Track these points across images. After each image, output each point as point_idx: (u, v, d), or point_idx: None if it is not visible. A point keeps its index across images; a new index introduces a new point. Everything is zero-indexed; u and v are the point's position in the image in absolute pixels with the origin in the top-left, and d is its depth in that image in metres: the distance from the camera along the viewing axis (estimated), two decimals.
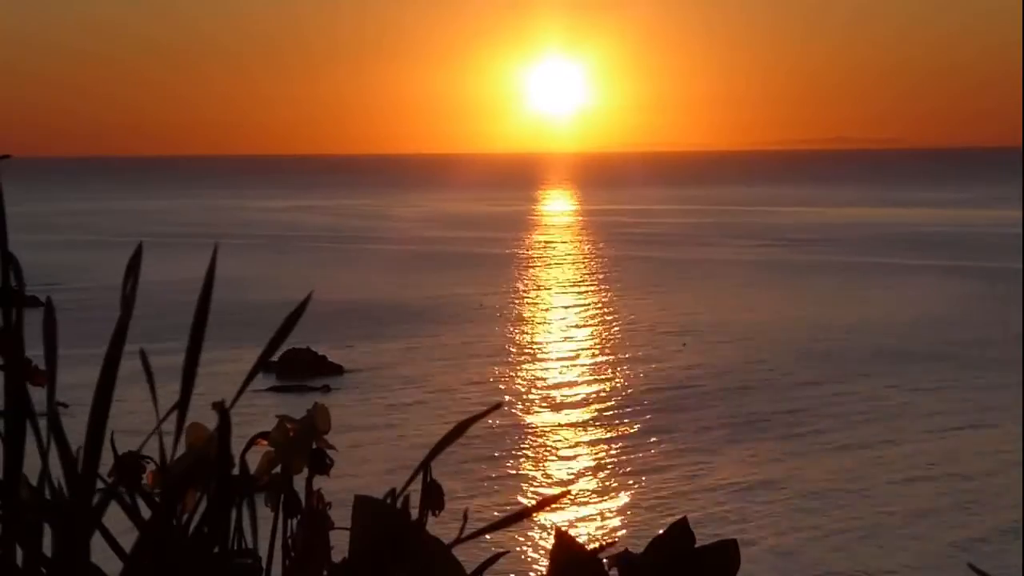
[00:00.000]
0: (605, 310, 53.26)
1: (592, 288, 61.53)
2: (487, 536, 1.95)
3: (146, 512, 1.96)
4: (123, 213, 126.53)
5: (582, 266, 72.84)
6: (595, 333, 46.90)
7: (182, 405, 1.85)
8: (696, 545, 2.49)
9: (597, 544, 2.49)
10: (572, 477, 27.37)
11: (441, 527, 2.19)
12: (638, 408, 33.67)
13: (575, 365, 40.22)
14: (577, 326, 48.70)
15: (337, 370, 37.90)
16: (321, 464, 2.26)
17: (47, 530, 1.83)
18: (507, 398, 33.31)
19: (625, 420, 32.46)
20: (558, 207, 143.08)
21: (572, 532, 2.56)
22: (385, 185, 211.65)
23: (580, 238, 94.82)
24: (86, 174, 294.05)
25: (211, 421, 2.00)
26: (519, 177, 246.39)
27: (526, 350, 42.54)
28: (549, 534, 20.74)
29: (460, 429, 1.92)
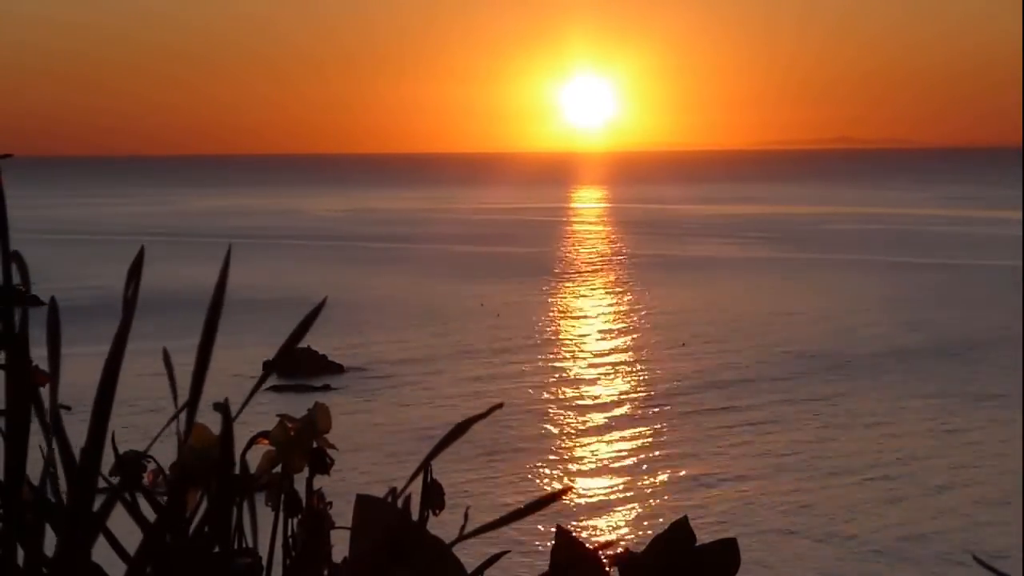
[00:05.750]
0: (607, 308, 53.27)
1: (594, 286, 61.53)
2: (488, 534, 1.95)
3: (147, 511, 1.96)
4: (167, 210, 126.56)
5: (583, 265, 72.84)
6: (596, 331, 46.89)
7: (191, 406, 1.86)
8: (696, 544, 2.50)
9: (598, 542, 2.49)
10: (572, 475, 27.38)
11: (441, 527, 2.19)
12: (638, 407, 33.67)
13: (574, 364, 40.20)
14: (578, 325, 48.70)
15: (338, 369, 37.88)
16: (321, 463, 2.26)
17: (48, 530, 1.83)
18: (508, 397, 33.28)
19: (624, 419, 32.46)
20: (562, 205, 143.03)
21: (573, 530, 2.56)
22: (425, 182, 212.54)
23: (581, 237, 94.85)
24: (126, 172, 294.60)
25: (209, 420, 2.01)
26: (533, 176, 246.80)
27: (526, 349, 42.53)
28: (551, 532, 20.72)
29: (460, 429, 1.92)
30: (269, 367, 1.91)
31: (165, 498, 1.92)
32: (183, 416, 1.91)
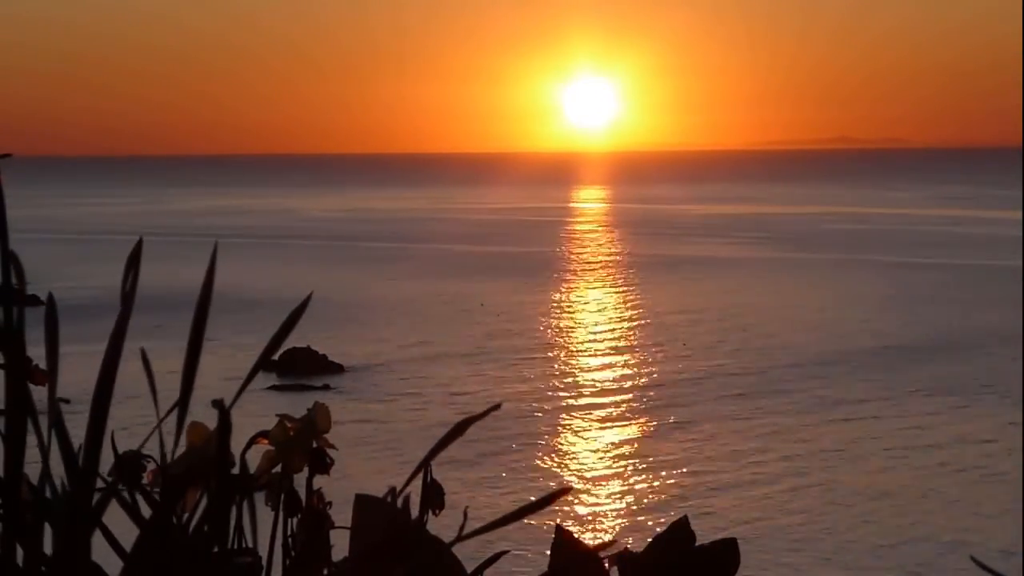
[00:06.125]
0: (607, 308, 53.27)
1: (595, 286, 61.53)
2: (488, 534, 1.95)
3: (146, 511, 1.96)
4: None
5: (584, 265, 72.84)
6: (596, 332, 46.89)
7: (182, 404, 1.85)
8: (696, 543, 2.49)
9: (597, 542, 2.49)
10: (572, 475, 27.37)
11: (442, 526, 2.19)
12: (638, 407, 33.68)
13: (575, 365, 40.20)
14: (578, 325, 48.69)
15: (338, 369, 37.87)
16: (321, 463, 2.26)
17: (47, 529, 1.82)
18: (507, 398, 33.27)
19: (624, 419, 32.47)
20: (563, 205, 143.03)
21: (573, 530, 2.55)
22: (424, 183, 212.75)
23: (582, 237, 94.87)
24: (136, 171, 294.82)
25: (210, 419, 2.00)
26: (535, 176, 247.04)
27: (527, 349, 42.52)
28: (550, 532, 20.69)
29: (460, 429, 1.92)
30: (260, 364, 1.90)
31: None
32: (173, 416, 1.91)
